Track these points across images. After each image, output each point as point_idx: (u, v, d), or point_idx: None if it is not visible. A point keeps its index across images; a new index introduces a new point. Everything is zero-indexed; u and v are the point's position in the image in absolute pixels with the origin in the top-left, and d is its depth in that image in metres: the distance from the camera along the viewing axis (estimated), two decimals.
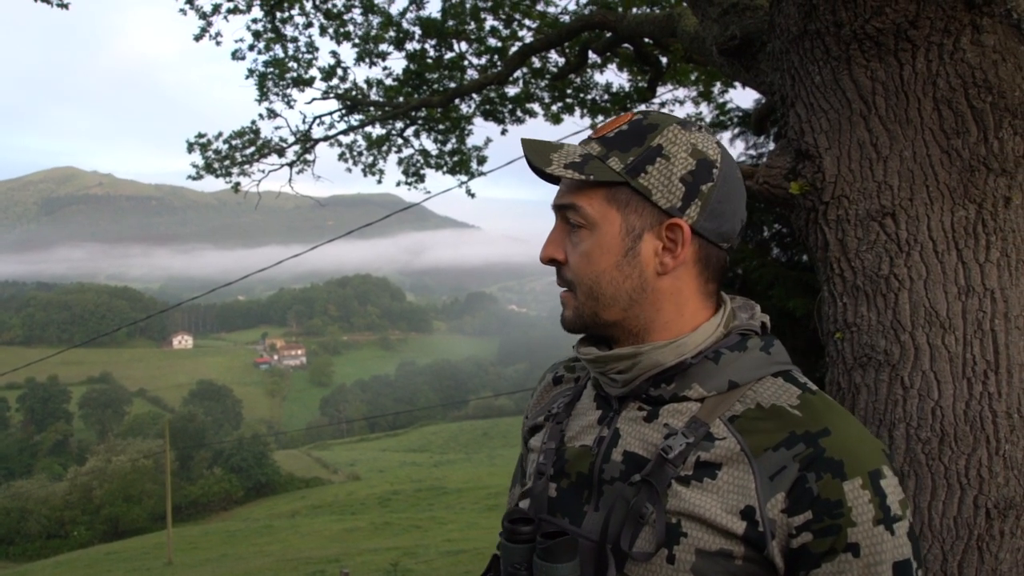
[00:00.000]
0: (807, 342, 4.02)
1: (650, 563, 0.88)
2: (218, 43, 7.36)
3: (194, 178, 8.55)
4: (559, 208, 0.98)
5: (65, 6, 5.72)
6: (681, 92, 8.34)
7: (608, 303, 0.96)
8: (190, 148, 8.29)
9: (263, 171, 8.58)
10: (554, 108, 8.46)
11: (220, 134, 8.39)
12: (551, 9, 7.53)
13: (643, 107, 7.67)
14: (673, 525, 0.88)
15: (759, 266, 4.38)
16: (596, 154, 0.96)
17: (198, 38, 7.12)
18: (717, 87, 8.02)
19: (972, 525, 2.09)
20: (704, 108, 8.28)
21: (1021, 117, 2.10)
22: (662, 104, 8.29)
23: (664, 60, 7.26)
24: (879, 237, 2.18)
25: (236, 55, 7.74)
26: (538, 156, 0.97)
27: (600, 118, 8.31)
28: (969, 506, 2.09)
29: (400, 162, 9.16)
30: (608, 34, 6.34)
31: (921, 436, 2.14)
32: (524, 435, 1.15)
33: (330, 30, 7.82)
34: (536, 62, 7.99)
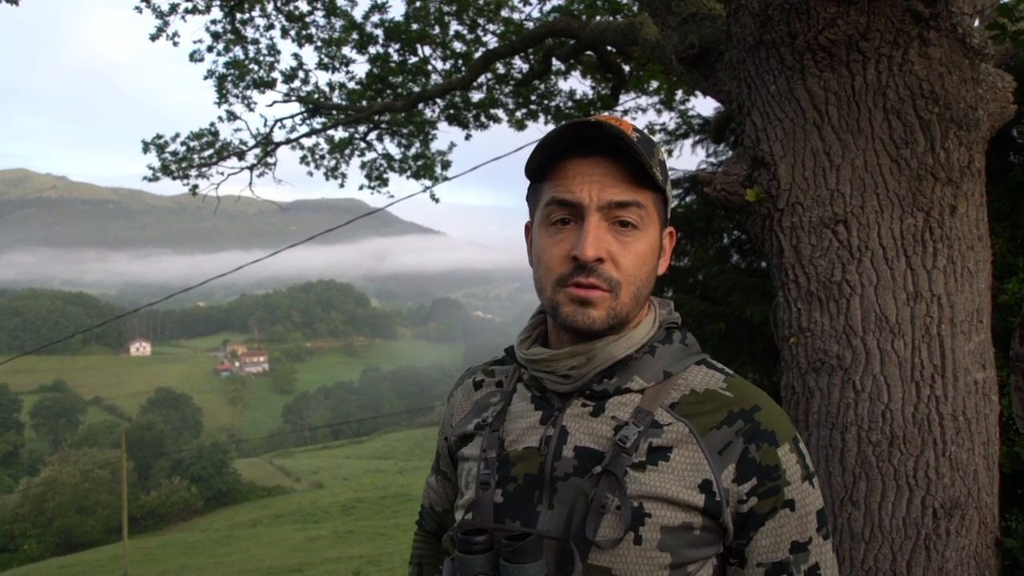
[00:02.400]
0: (764, 347, 4.08)
1: (617, 548, 0.91)
2: (175, 43, 7.22)
3: (150, 180, 8.37)
4: (615, 205, 0.95)
5: (15, 2, 5.55)
6: (644, 100, 8.44)
7: (642, 303, 1.00)
8: (146, 149, 8.12)
9: (222, 174, 8.44)
10: (518, 114, 8.48)
11: (177, 135, 8.24)
12: (515, 15, 7.55)
13: (602, 112, 7.75)
14: (636, 508, 0.92)
15: (718, 272, 4.44)
16: (659, 172, 0.99)
17: (154, 38, 6.98)
18: (679, 95, 8.12)
19: (920, 525, 2.13)
20: (666, 116, 8.38)
21: (966, 128, 2.17)
22: (624, 112, 8.37)
23: (627, 68, 7.33)
24: (832, 244, 2.22)
25: (194, 56, 7.60)
26: (641, 153, 0.93)
27: None
28: (917, 506, 2.13)
29: (363, 166, 9.09)
30: (571, 41, 6.38)
31: (872, 439, 2.18)
32: (450, 444, 1.15)
33: (292, 32, 7.73)
34: (500, 68, 8.00)
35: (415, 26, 7.50)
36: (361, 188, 9.24)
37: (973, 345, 2.19)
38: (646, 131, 1.09)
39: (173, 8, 6.97)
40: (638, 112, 8.52)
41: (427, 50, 7.80)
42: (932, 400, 2.15)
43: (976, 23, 2.45)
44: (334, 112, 8.41)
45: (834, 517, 2.26)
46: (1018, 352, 1.37)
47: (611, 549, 0.91)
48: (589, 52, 7.08)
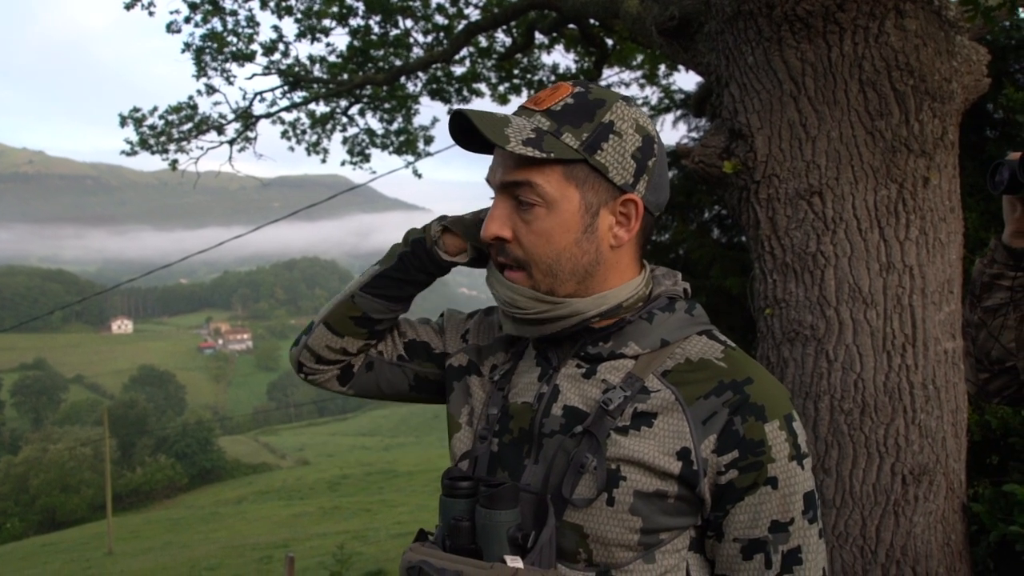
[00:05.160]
0: (743, 319, 4.13)
1: (590, 508, 0.93)
2: (151, 13, 7.07)
3: (128, 154, 8.24)
4: (509, 185, 0.96)
5: None
6: (627, 74, 8.40)
7: (566, 279, 0.99)
8: (123, 123, 7.97)
9: (202, 148, 8.31)
10: (501, 88, 8.41)
11: (155, 109, 8.09)
12: None
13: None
14: (613, 471, 0.93)
15: (699, 246, 4.47)
16: (548, 129, 0.95)
17: (129, 7, 6.82)
18: (662, 70, 8.09)
19: (889, 491, 2.18)
20: (649, 90, 8.36)
21: (940, 100, 2.18)
22: (608, 86, 8.33)
23: (610, 42, 7.28)
24: (807, 215, 2.24)
25: (171, 28, 7.44)
26: (494, 132, 0.93)
27: None
28: (887, 473, 2.18)
29: (345, 141, 8.99)
30: (554, 14, 6.32)
31: (844, 407, 2.22)
32: (466, 348, 1.16)
33: (271, 3, 7.58)
34: (483, 41, 7.92)
35: None
36: (343, 164, 9.15)
37: (943, 315, 2.23)
38: (600, 90, 0.99)
39: None
40: (621, 86, 8.48)
41: (408, 23, 7.70)
42: (903, 369, 2.19)
43: None
44: (315, 86, 8.30)
45: None
46: (968, 318, 1.40)
47: (584, 508, 0.93)
48: (572, 25, 7.02)
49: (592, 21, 6.59)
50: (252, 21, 7.75)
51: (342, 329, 1.17)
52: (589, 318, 0.99)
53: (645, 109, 8.01)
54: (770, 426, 0.93)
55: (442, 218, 1.15)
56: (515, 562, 0.90)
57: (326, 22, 7.69)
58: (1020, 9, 2.33)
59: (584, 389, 0.98)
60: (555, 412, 0.98)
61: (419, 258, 1.13)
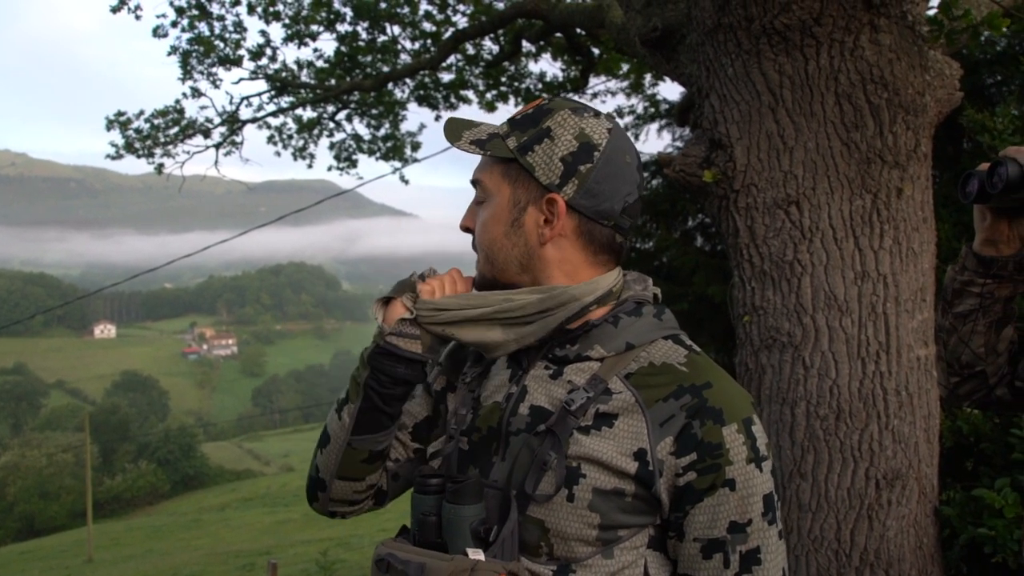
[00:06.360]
0: (724, 327, 4.17)
1: (551, 503, 0.97)
2: (137, 17, 7.06)
3: (113, 157, 8.21)
4: (472, 183, 1.10)
5: None
6: (613, 83, 8.47)
7: (501, 267, 1.07)
8: (109, 126, 7.94)
9: (188, 152, 8.29)
10: (488, 96, 8.45)
11: (141, 112, 8.07)
12: None
13: (569, 95, 7.77)
14: (573, 468, 0.97)
15: (682, 254, 4.52)
16: (501, 133, 1.06)
17: (115, 10, 6.80)
18: (648, 79, 8.17)
19: (863, 495, 2.23)
20: (635, 100, 8.43)
21: (913, 113, 2.24)
22: (594, 95, 8.40)
23: (596, 51, 7.34)
24: (784, 224, 2.29)
25: (158, 32, 7.43)
26: (451, 132, 1.07)
27: None
28: (861, 477, 2.22)
29: (332, 147, 9.00)
30: (541, 23, 6.38)
31: (820, 413, 2.26)
32: (440, 369, 1.21)
33: (259, 8, 7.59)
34: (470, 49, 7.96)
35: (384, 4, 7.42)
36: (330, 169, 9.16)
37: (916, 323, 2.28)
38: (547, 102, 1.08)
39: None
40: (607, 95, 8.56)
41: (396, 29, 7.73)
42: (877, 376, 2.24)
43: (931, 10, 2.52)
44: (302, 91, 8.30)
45: (783, 489, 2.34)
46: (940, 323, 1.44)
47: (545, 503, 0.97)
48: (559, 34, 7.08)
49: (579, 30, 6.65)
50: (239, 26, 7.75)
51: (357, 474, 1.15)
52: (574, 329, 1.03)
53: (629, 119, 8.08)
54: (728, 429, 0.96)
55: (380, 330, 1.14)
56: (476, 554, 0.94)
57: (313, 27, 7.71)
58: (982, 34, 2.39)
59: (551, 389, 1.02)
60: (522, 411, 1.02)
61: (386, 371, 1.08)
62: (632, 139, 1.12)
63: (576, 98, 1.10)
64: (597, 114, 1.06)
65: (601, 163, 1.02)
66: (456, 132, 1.07)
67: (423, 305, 1.07)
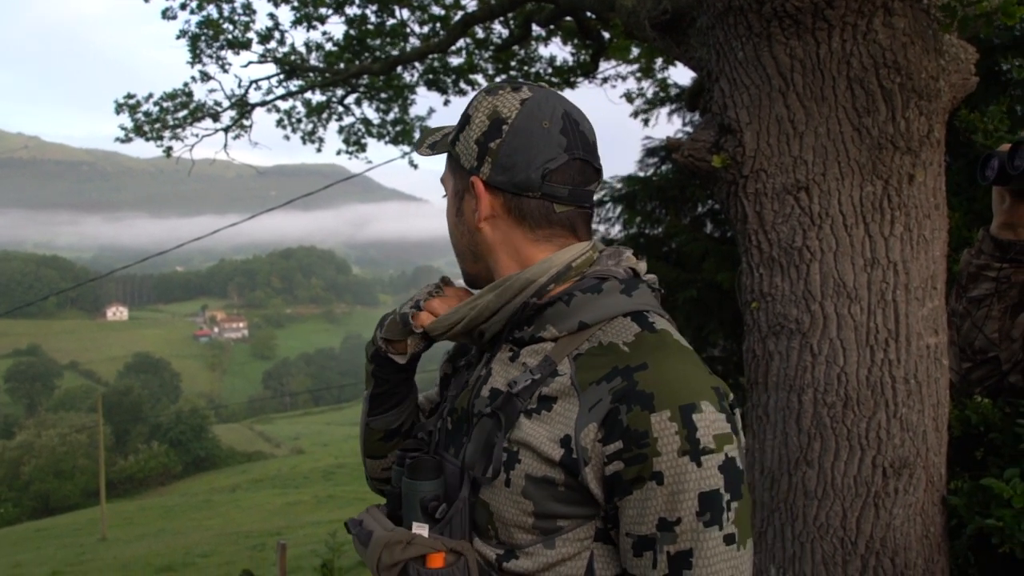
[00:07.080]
0: (733, 314, 4.16)
1: (492, 486, 0.96)
2: (146, 0, 7.04)
3: (123, 141, 8.23)
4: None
5: None
6: (624, 68, 8.39)
7: (461, 257, 1.11)
8: (118, 109, 7.96)
9: (196, 136, 8.30)
10: (498, 80, 8.40)
11: (151, 95, 8.08)
12: None
13: (579, 79, 7.69)
14: (513, 453, 0.95)
15: (691, 240, 4.49)
16: (455, 132, 1.08)
17: None
18: (658, 63, 8.09)
19: (870, 483, 2.22)
20: (645, 84, 8.36)
21: (926, 98, 2.20)
22: (604, 80, 8.33)
23: (606, 35, 7.27)
24: (794, 210, 2.26)
25: (167, 14, 7.42)
26: (419, 142, 1.15)
27: None
28: (868, 465, 2.21)
29: (341, 130, 8.99)
30: (551, 6, 6.31)
31: (827, 400, 2.25)
32: (445, 361, 1.26)
33: None
34: (480, 32, 7.91)
35: None
36: (339, 153, 9.16)
37: (926, 311, 2.25)
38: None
39: None
40: (618, 80, 8.49)
41: (405, 12, 7.68)
42: (885, 364, 2.22)
43: None
44: (311, 74, 8.28)
45: (789, 476, 2.34)
46: (954, 308, 1.42)
47: (489, 486, 0.97)
48: (569, 18, 7.01)
49: (588, 14, 6.59)
50: (248, 9, 7.73)
51: (381, 451, 1.25)
52: (530, 308, 1.01)
53: (638, 102, 7.99)
54: (657, 417, 0.87)
55: (380, 323, 1.21)
56: (421, 529, 0.95)
57: (322, 10, 7.68)
58: (995, 22, 2.34)
59: (508, 372, 1.01)
60: (484, 393, 1.02)
61: (385, 368, 1.19)
62: (591, 111, 1.08)
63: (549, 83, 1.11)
64: (517, 87, 1.02)
65: (509, 135, 0.99)
66: (421, 140, 1.14)
67: (433, 330, 1.12)
